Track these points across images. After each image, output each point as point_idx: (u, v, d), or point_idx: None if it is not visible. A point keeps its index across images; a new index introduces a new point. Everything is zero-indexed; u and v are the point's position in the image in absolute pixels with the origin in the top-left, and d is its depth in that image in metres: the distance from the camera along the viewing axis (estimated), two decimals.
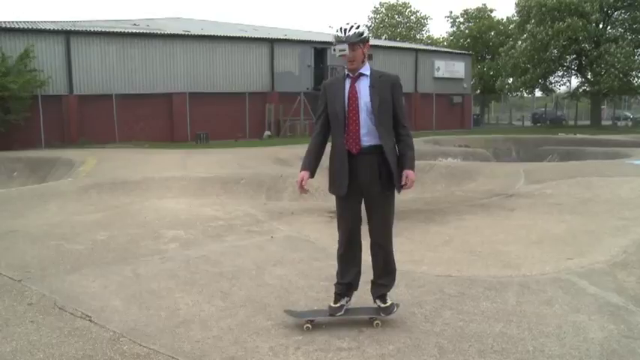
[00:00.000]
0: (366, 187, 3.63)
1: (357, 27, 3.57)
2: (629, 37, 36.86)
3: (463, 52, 42.11)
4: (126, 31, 26.16)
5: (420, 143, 22.27)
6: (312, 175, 3.74)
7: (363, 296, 3.90)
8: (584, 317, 3.80)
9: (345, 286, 3.75)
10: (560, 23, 35.14)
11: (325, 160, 3.76)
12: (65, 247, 5.86)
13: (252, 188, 11.19)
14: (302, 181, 3.70)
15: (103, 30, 25.47)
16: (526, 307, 3.99)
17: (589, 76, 38.57)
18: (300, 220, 7.32)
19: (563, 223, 6.73)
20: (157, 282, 4.65)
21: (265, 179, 11.61)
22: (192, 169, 13.72)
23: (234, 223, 7.17)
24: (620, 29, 38.69)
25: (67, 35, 24.09)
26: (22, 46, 22.44)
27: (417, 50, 36.81)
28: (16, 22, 25.42)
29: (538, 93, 47.23)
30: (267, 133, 28.33)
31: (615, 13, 38.44)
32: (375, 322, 3.68)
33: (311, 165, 3.74)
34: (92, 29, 25.25)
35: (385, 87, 3.62)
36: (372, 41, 41.90)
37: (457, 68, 37.50)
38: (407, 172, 3.65)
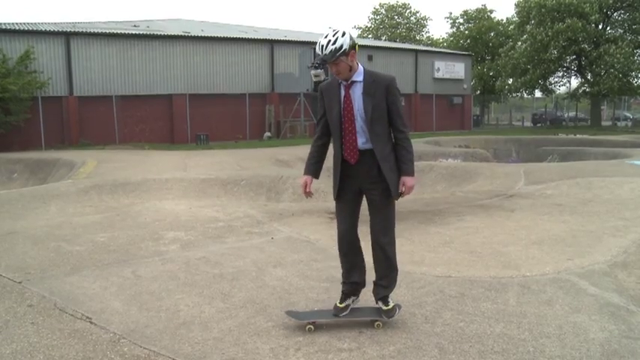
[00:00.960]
0: (366, 190, 3.64)
1: (335, 41, 3.40)
2: (629, 38, 36.91)
3: (463, 52, 42.12)
4: (126, 32, 26.18)
5: (420, 144, 22.29)
6: (316, 177, 3.76)
7: (363, 297, 3.89)
8: (584, 318, 3.79)
9: (352, 285, 3.75)
10: (560, 24, 35.18)
11: (328, 162, 3.77)
12: (65, 248, 5.86)
13: (253, 189, 11.19)
14: (306, 186, 3.71)
15: (103, 31, 25.49)
16: (526, 307, 3.99)
17: (589, 77, 38.60)
18: (300, 222, 7.32)
19: (563, 224, 6.73)
20: (157, 283, 4.65)
21: (265, 180, 11.61)
22: (193, 170, 13.73)
23: (235, 224, 7.17)
24: (619, 30, 38.75)
25: (67, 37, 24.12)
26: (23, 47, 22.48)
27: (416, 51, 36.83)
28: (17, 23, 25.45)
29: (538, 94, 47.28)
30: (267, 134, 28.34)
31: (615, 13, 38.50)
32: (376, 323, 3.68)
33: (313, 168, 3.75)
34: (92, 30, 25.28)
35: (379, 91, 3.52)
36: (372, 42, 42.16)
37: (457, 69, 37.53)
38: (404, 180, 3.59)
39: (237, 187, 11.15)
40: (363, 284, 3.79)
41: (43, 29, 24.37)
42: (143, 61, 25.78)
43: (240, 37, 29.50)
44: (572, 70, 41.75)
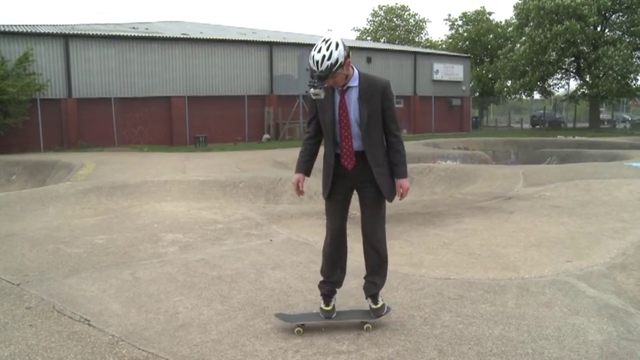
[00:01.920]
0: (358, 188, 3.65)
1: (330, 56, 3.27)
2: (627, 40, 36.97)
3: (462, 54, 42.18)
4: (125, 34, 26.19)
5: (419, 146, 22.32)
6: (307, 175, 3.75)
7: (352, 300, 3.89)
8: (583, 319, 3.79)
9: (332, 284, 3.76)
10: (559, 26, 35.24)
11: (318, 154, 3.76)
12: (64, 250, 5.86)
13: (251, 191, 11.19)
14: (298, 183, 3.70)
15: (102, 33, 25.50)
16: (525, 309, 3.99)
17: (587, 79, 38.66)
18: (298, 223, 7.32)
19: (561, 226, 6.73)
20: (156, 285, 4.64)
21: (264, 182, 11.61)
22: (191, 172, 13.73)
23: (233, 226, 7.17)
24: (618, 32, 38.81)
25: (65, 39, 24.13)
26: (21, 49, 22.50)
27: (415, 53, 36.88)
28: (15, 25, 25.47)
29: (537, 95, 47.37)
30: (266, 136, 28.35)
31: (613, 16, 38.57)
32: (366, 325, 3.66)
33: (305, 166, 3.74)
34: (91, 33, 25.29)
35: (375, 96, 3.48)
36: (371, 44, 42.20)
37: (456, 71, 37.58)
38: (400, 182, 3.62)
39: (236, 189, 11.15)
40: (340, 283, 3.81)
41: (42, 31, 24.39)
42: (142, 63, 25.79)
43: (239, 39, 29.53)
44: (571, 72, 41.82)
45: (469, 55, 43.83)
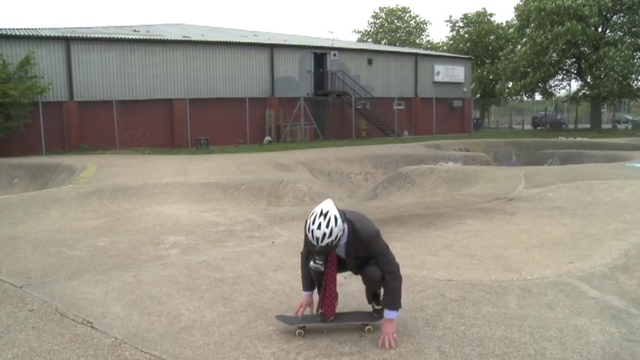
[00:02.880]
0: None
1: (330, 233, 3.26)
2: (628, 41, 36.92)
3: (463, 56, 42.18)
4: (126, 37, 26.25)
5: (420, 147, 22.34)
6: (313, 290, 3.73)
7: (358, 299, 3.89)
8: (585, 321, 3.79)
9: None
10: (560, 27, 35.23)
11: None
12: (66, 253, 5.87)
13: (253, 194, 11.20)
14: (305, 304, 3.68)
15: (103, 36, 25.56)
16: (527, 310, 3.99)
17: (588, 80, 38.64)
18: (300, 225, 7.24)
19: (563, 227, 6.73)
20: (158, 288, 4.65)
21: (266, 185, 11.62)
22: (193, 174, 13.74)
23: (235, 228, 7.17)
24: (619, 33, 38.77)
25: (67, 42, 24.19)
26: (23, 52, 22.56)
27: (416, 55, 36.88)
28: (17, 28, 25.56)
29: (538, 97, 47.28)
30: (267, 138, 28.38)
31: (614, 16, 38.52)
32: (367, 327, 3.66)
33: (310, 281, 3.69)
34: (92, 35, 25.35)
35: (362, 249, 3.49)
36: (372, 46, 42.23)
37: (457, 72, 37.58)
38: (384, 323, 3.48)
39: (238, 192, 11.16)
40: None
41: (44, 34, 24.45)
42: (143, 65, 25.84)
43: (240, 41, 29.57)
44: (572, 73, 41.78)
45: (470, 56, 43.83)
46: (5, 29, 24.19)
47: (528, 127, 46.51)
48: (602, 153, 18.75)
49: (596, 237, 6.11)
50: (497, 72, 44.35)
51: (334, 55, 31.49)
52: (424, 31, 62.89)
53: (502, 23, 51.14)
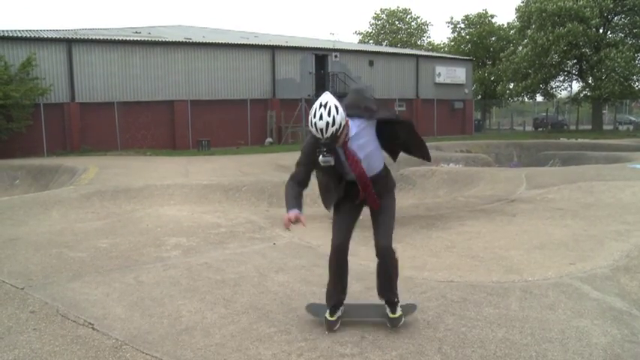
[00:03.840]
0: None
1: (333, 122, 3.25)
2: (630, 42, 36.92)
3: (464, 57, 42.17)
4: (127, 38, 26.27)
5: None
6: (300, 210, 3.68)
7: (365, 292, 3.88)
8: (587, 322, 3.79)
9: (339, 296, 3.77)
10: (561, 28, 35.22)
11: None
12: (67, 254, 5.87)
13: (254, 195, 11.19)
14: (294, 217, 3.59)
15: (105, 38, 25.59)
16: (529, 312, 3.98)
17: (590, 81, 38.62)
18: (301, 227, 7.30)
19: (565, 228, 6.72)
20: (159, 289, 4.65)
21: (267, 186, 11.61)
22: (194, 176, 13.75)
23: (236, 230, 7.17)
24: (620, 34, 38.77)
25: (68, 43, 24.22)
26: (25, 54, 22.57)
27: (417, 56, 36.88)
28: (19, 30, 25.57)
29: (539, 98, 47.28)
30: (268, 139, 28.39)
31: (615, 18, 38.53)
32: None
33: (297, 202, 3.64)
34: (94, 37, 25.38)
35: (369, 128, 3.56)
36: (373, 48, 42.25)
37: (458, 74, 37.56)
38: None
39: (239, 193, 11.16)
40: (341, 302, 3.81)
41: (45, 36, 24.48)
42: (145, 67, 25.86)
43: (242, 43, 29.60)
44: (573, 74, 41.77)
45: (471, 57, 43.83)
46: (7, 31, 24.20)
47: (529, 128, 46.50)
48: (603, 154, 18.73)
49: (598, 238, 6.10)
50: (499, 73, 44.36)
51: (335, 56, 31.49)
52: (425, 32, 62.92)
53: (503, 24, 51.14)
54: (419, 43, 60.69)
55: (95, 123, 24.32)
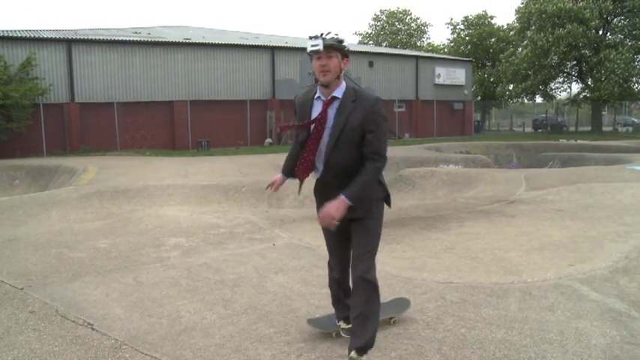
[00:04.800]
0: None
1: (337, 35, 3.07)
2: (629, 44, 37.00)
3: (464, 58, 42.22)
4: (127, 39, 26.29)
5: (421, 150, 22.33)
6: (287, 177, 3.47)
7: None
8: (586, 323, 3.79)
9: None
10: (560, 30, 35.28)
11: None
12: (67, 254, 5.87)
13: (254, 196, 11.20)
14: (280, 183, 3.47)
15: (105, 38, 25.59)
16: (528, 313, 3.98)
17: (589, 83, 38.67)
18: (301, 228, 7.32)
19: (564, 229, 6.72)
20: (159, 290, 4.65)
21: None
22: (194, 176, 13.75)
23: (236, 230, 7.17)
24: (619, 35, 38.84)
25: (68, 43, 24.22)
26: (24, 54, 22.59)
27: (417, 57, 36.91)
28: (18, 30, 25.58)
29: (539, 99, 47.39)
30: (268, 140, 28.40)
31: (615, 19, 38.61)
32: (393, 319, 3.72)
33: (287, 169, 3.45)
34: (93, 37, 25.39)
35: (357, 111, 3.05)
36: (373, 49, 42.27)
37: (458, 75, 37.59)
38: (332, 203, 3.02)
39: (239, 194, 11.16)
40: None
41: (45, 36, 24.49)
42: (144, 67, 25.86)
43: (241, 43, 29.61)
44: (573, 75, 41.83)
45: (471, 59, 43.87)
46: (6, 31, 24.22)
47: (529, 129, 46.55)
48: (602, 155, 18.74)
49: (597, 239, 6.10)
50: (498, 74, 44.43)
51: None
52: (425, 33, 62.97)
53: (503, 26, 51.24)
54: (419, 44, 60.76)
55: (95, 123, 24.33)
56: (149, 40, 26.94)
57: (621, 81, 36.07)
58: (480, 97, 50.16)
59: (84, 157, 20.58)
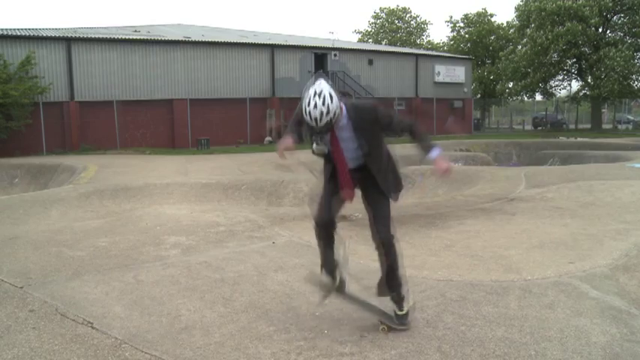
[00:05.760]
0: (363, 188, 3.68)
1: (328, 111, 3.22)
2: (629, 41, 36.96)
3: (463, 56, 42.14)
4: (127, 37, 26.23)
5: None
6: (297, 141, 3.65)
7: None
8: (586, 321, 3.79)
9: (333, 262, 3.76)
10: (560, 27, 35.26)
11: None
12: (67, 253, 5.87)
13: (254, 194, 11.19)
14: (287, 145, 3.58)
15: (104, 36, 25.55)
16: (528, 311, 3.98)
17: (589, 80, 38.65)
18: (301, 226, 7.31)
19: (564, 227, 6.72)
20: (159, 288, 4.65)
21: (266, 185, 11.62)
22: (194, 175, 13.74)
23: (236, 228, 7.17)
24: (619, 33, 38.82)
25: (68, 42, 24.17)
26: (24, 52, 22.53)
27: (417, 55, 36.84)
28: (18, 29, 25.55)
29: (538, 97, 47.30)
30: (268, 138, 28.37)
31: (614, 17, 38.56)
32: (382, 327, 3.67)
33: (298, 132, 3.62)
34: (93, 36, 25.33)
35: (368, 123, 3.48)
36: (372, 47, 42.22)
37: (457, 73, 37.53)
38: (436, 162, 3.48)
39: (238, 192, 11.16)
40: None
41: (44, 34, 24.42)
42: (144, 66, 25.82)
43: (241, 41, 29.57)
44: (573, 73, 41.80)
45: (470, 56, 43.80)
46: (6, 29, 24.18)
47: (529, 127, 46.50)
48: (602, 153, 18.74)
49: (597, 237, 6.10)
50: (498, 72, 44.38)
51: (335, 55, 31.48)
52: (425, 31, 62.88)
53: (502, 23, 51.15)
54: (418, 42, 60.67)
55: (94, 122, 24.30)
56: (149, 38, 26.89)
57: (621, 78, 36.04)
58: (479, 95, 50.12)
59: (84, 156, 20.58)
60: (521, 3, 40.49)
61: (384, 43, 58.15)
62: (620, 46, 35.52)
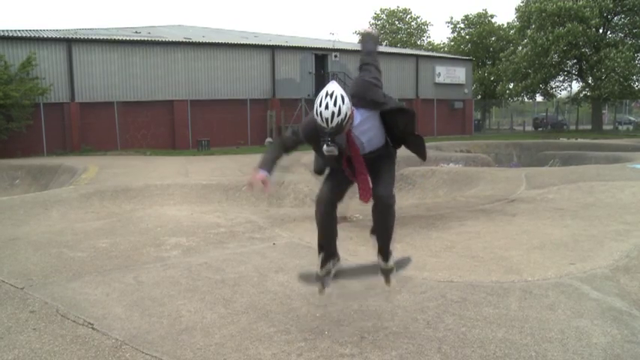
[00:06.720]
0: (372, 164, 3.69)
1: (339, 112, 3.18)
2: (629, 42, 36.95)
3: (464, 57, 42.14)
4: (127, 38, 26.26)
5: None
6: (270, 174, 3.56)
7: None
8: (587, 322, 3.79)
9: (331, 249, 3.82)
10: (561, 28, 35.26)
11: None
12: (67, 254, 5.87)
13: (254, 195, 11.18)
14: (261, 179, 3.44)
15: (105, 38, 25.57)
16: (528, 312, 3.98)
17: (589, 81, 38.65)
18: (301, 227, 7.31)
19: (565, 228, 6.72)
20: (159, 289, 4.65)
21: None
22: (194, 176, 13.75)
23: (236, 230, 7.17)
24: (620, 34, 38.83)
25: (68, 43, 24.20)
26: (24, 54, 22.56)
27: (417, 56, 36.87)
28: (19, 30, 25.57)
29: (539, 98, 47.33)
30: (268, 139, 28.36)
31: (615, 18, 38.56)
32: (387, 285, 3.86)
33: (271, 169, 3.52)
34: (94, 37, 25.37)
35: (373, 115, 3.55)
36: None
37: (458, 74, 37.54)
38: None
39: (239, 193, 11.15)
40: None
41: (45, 36, 24.46)
42: (144, 67, 25.84)
43: (242, 42, 29.59)
44: (573, 74, 41.79)
45: (471, 57, 43.81)
46: (7, 30, 24.20)
47: (529, 128, 46.51)
48: (603, 154, 18.72)
49: (598, 238, 6.10)
50: (498, 73, 44.40)
51: (335, 56, 31.48)
52: (425, 32, 62.84)
53: (503, 24, 51.13)
54: (419, 43, 60.66)
55: (95, 123, 24.32)
56: (149, 39, 26.91)
57: (621, 79, 36.06)
58: (480, 96, 50.11)
59: (84, 157, 20.59)
60: (521, 4, 40.54)
61: (384, 44, 58.11)
62: (620, 47, 35.52)
